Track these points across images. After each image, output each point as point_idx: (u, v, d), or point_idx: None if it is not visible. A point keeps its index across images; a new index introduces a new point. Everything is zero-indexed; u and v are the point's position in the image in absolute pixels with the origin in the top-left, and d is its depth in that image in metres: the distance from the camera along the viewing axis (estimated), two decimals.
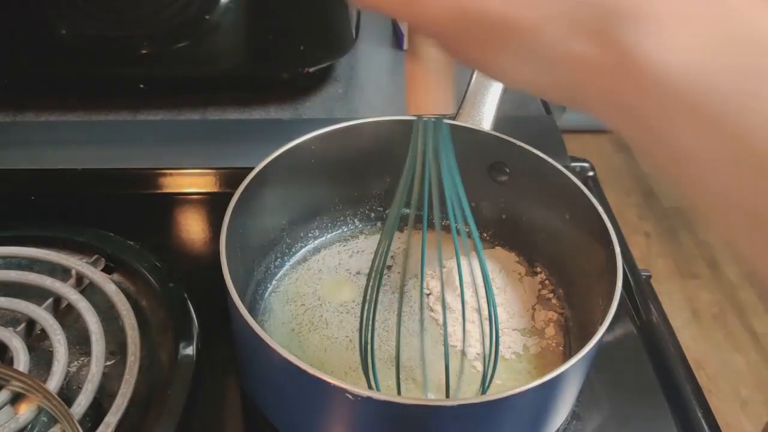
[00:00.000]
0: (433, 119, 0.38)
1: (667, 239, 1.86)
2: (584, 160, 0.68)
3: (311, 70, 0.74)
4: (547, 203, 0.52)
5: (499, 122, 0.56)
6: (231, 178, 0.66)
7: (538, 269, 0.56)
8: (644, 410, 0.50)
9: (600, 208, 0.47)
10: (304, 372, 0.37)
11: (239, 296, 0.41)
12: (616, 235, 0.45)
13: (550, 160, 0.51)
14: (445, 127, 0.39)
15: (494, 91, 0.56)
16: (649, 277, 0.60)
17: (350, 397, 0.36)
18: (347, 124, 0.53)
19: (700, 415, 0.49)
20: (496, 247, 0.58)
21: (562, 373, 0.37)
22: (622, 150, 2.17)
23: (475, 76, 0.57)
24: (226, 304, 0.42)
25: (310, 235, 0.58)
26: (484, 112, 0.55)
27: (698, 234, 1.89)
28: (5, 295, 0.51)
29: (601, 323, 0.40)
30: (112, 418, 0.44)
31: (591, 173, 0.68)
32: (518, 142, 0.52)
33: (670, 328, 0.55)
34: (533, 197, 0.54)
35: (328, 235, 0.59)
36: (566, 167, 0.50)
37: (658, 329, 0.54)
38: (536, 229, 0.55)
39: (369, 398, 0.36)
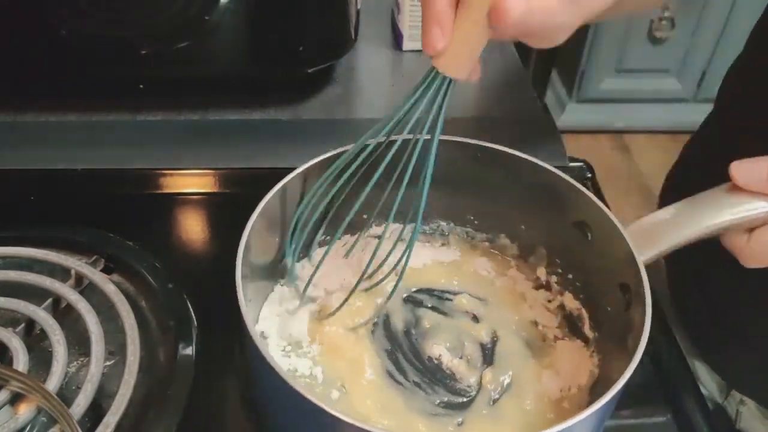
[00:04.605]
0: (449, 78, 0.41)
1: None
2: (582, 161, 0.68)
3: (311, 70, 0.74)
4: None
5: (499, 123, 0.56)
6: (231, 178, 0.66)
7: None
8: (643, 411, 0.50)
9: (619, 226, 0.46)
10: (325, 412, 0.36)
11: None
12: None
13: (548, 167, 0.51)
14: (452, 91, 0.42)
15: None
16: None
17: None
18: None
19: (699, 416, 0.49)
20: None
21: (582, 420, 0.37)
22: (621, 150, 2.17)
23: None
24: (226, 304, 0.42)
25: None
26: None
27: None
28: (5, 295, 0.51)
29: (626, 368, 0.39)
30: (112, 418, 0.44)
31: (589, 174, 0.68)
32: (532, 159, 0.51)
33: (669, 328, 0.55)
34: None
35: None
36: (565, 168, 0.50)
37: (656, 329, 0.54)
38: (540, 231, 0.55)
39: None
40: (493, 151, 0.51)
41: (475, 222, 0.57)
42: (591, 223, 0.49)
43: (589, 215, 0.48)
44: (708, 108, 0.70)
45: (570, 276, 0.53)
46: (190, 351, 0.49)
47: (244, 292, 0.41)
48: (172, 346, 0.50)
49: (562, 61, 2.11)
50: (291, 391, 0.36)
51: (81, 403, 0.44)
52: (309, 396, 0.36)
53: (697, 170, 0.66)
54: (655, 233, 0.45)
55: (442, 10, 0.38)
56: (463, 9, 0.38)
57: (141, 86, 0.74)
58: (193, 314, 0.52)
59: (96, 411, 0.45)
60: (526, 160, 0.50)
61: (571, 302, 0.52)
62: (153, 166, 0.66)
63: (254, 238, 0.45)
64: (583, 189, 0.49)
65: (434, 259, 0.57)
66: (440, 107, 0.42)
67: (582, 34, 1.99)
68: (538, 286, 0.54)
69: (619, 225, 0.46)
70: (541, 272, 0.54)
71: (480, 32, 0.38)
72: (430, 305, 0.53)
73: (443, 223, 0.58)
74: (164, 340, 0.51)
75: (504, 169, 0.52)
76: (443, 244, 0.58)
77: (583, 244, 0.49)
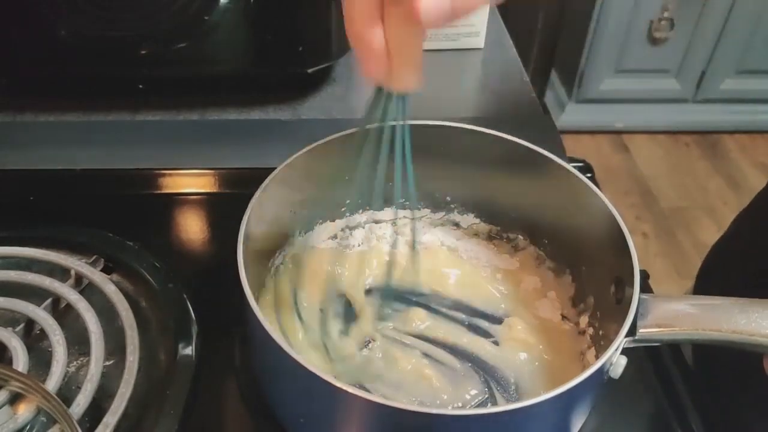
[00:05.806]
0: (401, 95, 0.40)
1: (665, 240, 1.86)
2: (582, 161, 0.68)
3: (311, 70, 0.74)
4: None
5: (499, 123, 0.56)
6: (230, 178, 0.66)
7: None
8: (642, 412, 0.50)
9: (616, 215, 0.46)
10: (328, 384, 0.37)
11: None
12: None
13: (560, 162, 0.51)
14: (409, 100, 0.40)
15: None
16: (647, 277, 0.60)
17: (374, 406, 0.37)
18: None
19: (698, 417, 0.49)
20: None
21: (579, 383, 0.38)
22: (621, 150, 2.17)
23: None
24: (226, 305, 0.42)
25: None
26: None
27: (696, 235, 1.89)
28: (4, 295, 0.51)
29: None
30: (111, 418, 0.44)
31: (589, 174, 0.68)
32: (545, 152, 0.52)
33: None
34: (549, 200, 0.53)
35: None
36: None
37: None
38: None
39: (393, 408, 0.36)
40: (584, 187, 0.50)
41: (548, 247, 0.56)
42: (626, 282, 0.44)
43: (626, 274, 0.44)
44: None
45: (601, 332, 0.49)
46: (190, 351, 0.49)
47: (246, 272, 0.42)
48: (172, 346, 0.49)
49: (562, 61, 2.11)
50: (289, 359, 0.37)
51: (81, 403, 0.44)
52: (305, 363, 0.37)
53: (749, 244, 0.63)
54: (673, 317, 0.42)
55: (370, 37, 0.36)
56: (387, 23, 0.36)
57: (141, 86, 0.74)
58: (193, 314, 0.52)
59: (96, 411, 0.45)
60: (605, 207, 0.48)
61: (591, 357, 0.49)
62: (153, 166, 0.66)
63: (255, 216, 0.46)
64: (634, 254, 0.45)
65: (491, 263, 0.57)
66: (403, 124, 0.41)
67: (582, 34, 1.99)
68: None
69: (636, 293, 0.42)
70: (584, 321, 0.52)
71: (412, 37, 0.36)
72: None
73: (520, 237, 0.57)
74: (164, 340, 0.51)
75: (584, 208, 0.50)
76: (507, 254, 0.58)
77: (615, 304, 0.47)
